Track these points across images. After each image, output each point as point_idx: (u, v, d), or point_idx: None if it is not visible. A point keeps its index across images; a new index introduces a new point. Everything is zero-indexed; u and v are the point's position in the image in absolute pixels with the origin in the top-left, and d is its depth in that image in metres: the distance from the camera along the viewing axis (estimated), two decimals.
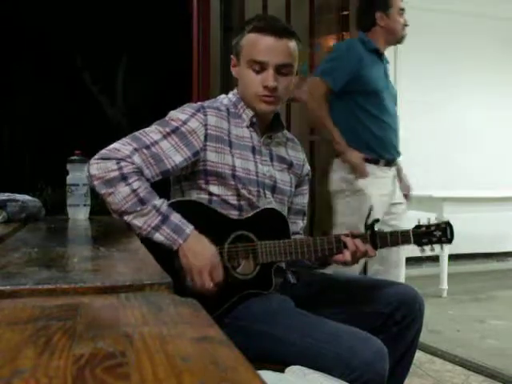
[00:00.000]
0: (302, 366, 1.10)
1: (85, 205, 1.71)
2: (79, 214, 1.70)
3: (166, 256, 1.21)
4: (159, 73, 9.21)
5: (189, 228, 1.26)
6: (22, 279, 0.70)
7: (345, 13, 3.11)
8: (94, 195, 1.38)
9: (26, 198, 1.62)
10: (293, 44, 1.39)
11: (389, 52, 4.73)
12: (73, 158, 1.71)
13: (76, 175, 1.70)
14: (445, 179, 4.68)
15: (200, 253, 1.26)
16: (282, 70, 1.38)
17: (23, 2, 8.61)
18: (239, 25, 3.07)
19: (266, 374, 1.02)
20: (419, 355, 2.46)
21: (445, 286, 3.74)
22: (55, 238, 1.37)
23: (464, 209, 3.86)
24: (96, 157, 1.28)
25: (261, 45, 1.37)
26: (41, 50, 8.75)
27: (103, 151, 1.28)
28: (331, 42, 3.36)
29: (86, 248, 1.12)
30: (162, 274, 0.75)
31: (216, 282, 1.27)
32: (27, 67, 8.93)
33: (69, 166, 1.72)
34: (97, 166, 1.25)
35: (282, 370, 1.10)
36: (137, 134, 1.33)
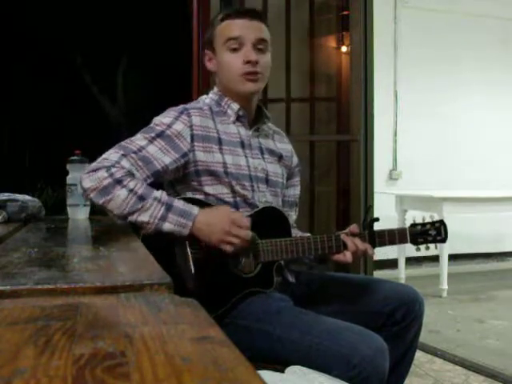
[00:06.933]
0: (302, 364, 1.10)
1: (85, 205, 1.70)
2: (79, 214, 1.70)
3: (167, 258, 1.21)
4: (159, 72, 9.20)
5: (194, 209, 1.26)
6: (22, 279, 0.70)
7: (345, 13, 3.10)
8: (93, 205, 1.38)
9: (26, 198, 1.62)
10: (264, 26, 1.45)
11: (388, 52, 4.76)
12: (73, 158, 1.71)
13: (76, 175, 1.69)
14: (445, 179, 4.69)
15: (214, 220, 1.25)
16: (258, 45, 1.41)
17: (23, 2, 8.61)
18: None
19: (265, 374, 1.02)
20: (419, 355, 2.46)
21: (445, 286, 3.74)
22: (55, 238, 1.37)
23: (464, 209, 3.86)
24: (86, 171, 1.28)
25: (235, 25, 1.42)
26: (41, 50, 8.75)
27: (92, 164, 1.28)
28: (331, 41, 3.36)
29: (86, 248, 1.12)
30: (161, 274, 0.75)
31: (247, 227, 1.27)
32: (27, 67, 8.93)
33: (69, 166, 1.72)
34: (89, 179, 1.25)
35: (282, 370, 1.09)
36: (122, 143, 1.33)
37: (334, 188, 3.16)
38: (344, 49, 3.31)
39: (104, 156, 1.29)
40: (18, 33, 8.82)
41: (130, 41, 9.20)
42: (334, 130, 3.26)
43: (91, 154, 1.35)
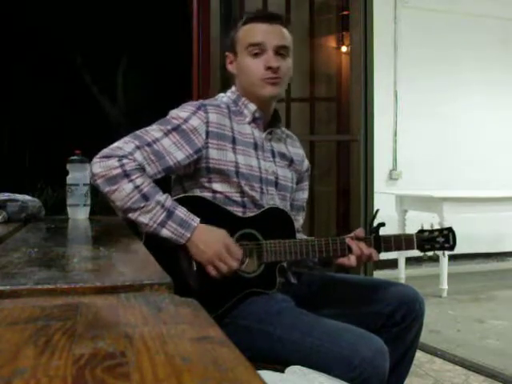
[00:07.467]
0: (302, 365, 1.10)
1: (85, 205, 1.70)
2: (79, 214, 1.70)
3: (169, 257, 1.21)
4: (159, 72, 9.21)
5: (195, 221, 1.26)
6: (22, 279, 0.70)
7: (345, 13, 3.10)
8: (94, 194, 1.38)
9: (26, 198, 1.62)
10: (285, 30, 1.45)
11: (388, 52, 4.76)
12: (73, 157, 1.71)
13: (76, 175, 1.69)
14: (445, 179, 4.69)
15: (211, 240, 1.26)
16: (280, 51, 1.41)
17: (23, 2, 8.61)
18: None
19: (265, 374, 1.02)
20: (419, 355, 2.46)
21: (445, 286, 3.74)
22: (55, 238, 1.37)
23: (464, 209, 3.86)
24: (98, 156, 1.28)
25: (256, 30, 1.42)
26: (41, 50, 8.75)
27: (105, 150, 1.28)
28: (331, 41, 3.36)
29: (86, 248, 1.12)
30: (161, 274, 0.75)
31: (238, 259, 1.27)
32: (27, 67, 8.93)
33: (69, 166, 1.71)
34: (99, 165, 1.26)
35: (282, 370, 1.10)
36: (138, 132, 1.33)
37: (334, 188, 3.15)
38: (344, 49, 3.31)
39: (118, 144, 1.29)
40: (17, 33, 8.82)
41: (130, 41, 9.20)
42: (334, 130, 3.26)
43: (91, 154, 1.35)
